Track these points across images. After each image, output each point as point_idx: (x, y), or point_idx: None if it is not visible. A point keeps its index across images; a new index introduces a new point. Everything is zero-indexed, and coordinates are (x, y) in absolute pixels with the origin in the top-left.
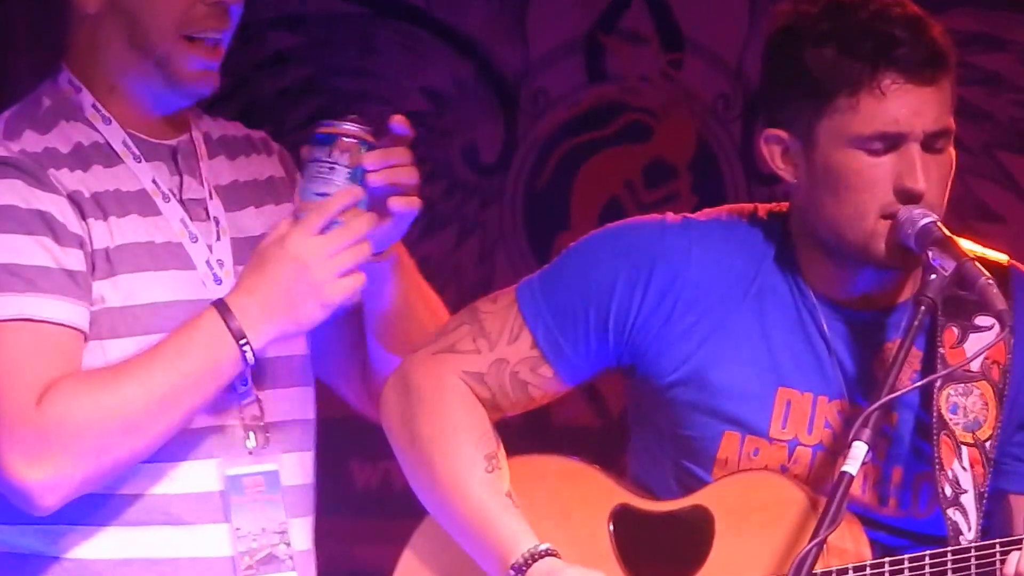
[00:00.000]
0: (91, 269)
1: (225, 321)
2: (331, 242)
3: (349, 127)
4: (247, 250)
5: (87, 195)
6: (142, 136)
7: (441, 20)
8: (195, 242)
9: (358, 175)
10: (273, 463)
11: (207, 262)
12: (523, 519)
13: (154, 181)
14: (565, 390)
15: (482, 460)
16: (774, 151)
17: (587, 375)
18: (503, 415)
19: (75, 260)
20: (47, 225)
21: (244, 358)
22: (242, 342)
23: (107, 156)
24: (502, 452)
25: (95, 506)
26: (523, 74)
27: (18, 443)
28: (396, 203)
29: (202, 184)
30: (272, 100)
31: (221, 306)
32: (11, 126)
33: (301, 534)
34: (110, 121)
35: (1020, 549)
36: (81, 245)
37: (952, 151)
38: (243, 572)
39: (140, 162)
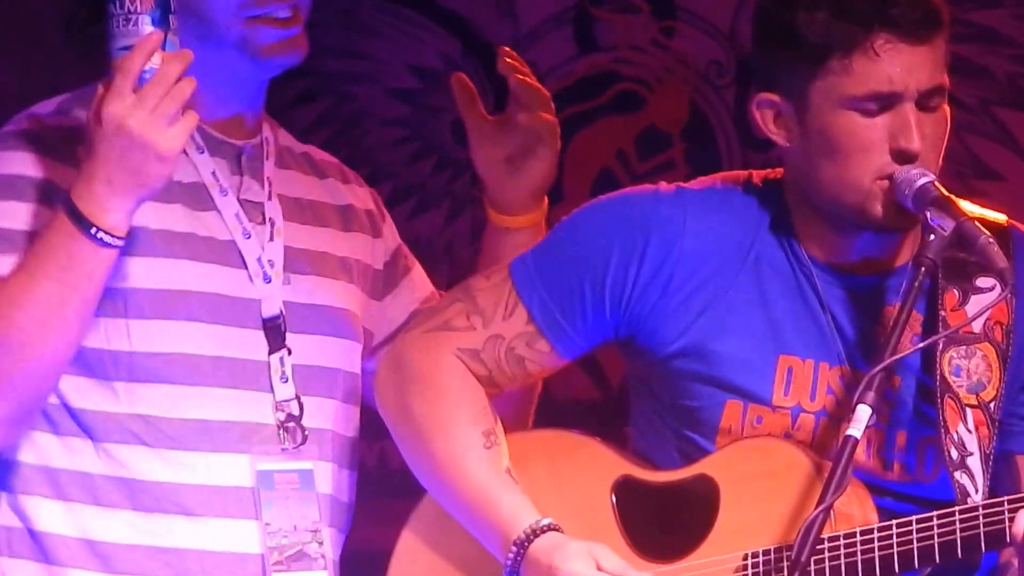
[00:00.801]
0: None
1: (69, 215)
2: (146, 96)
3: None
4: (297, 260)
5: None
6: (210, 131)
7: None
8: (248, 238)
9: (158, 17)
10: (308, 462)
11: (258, 260)
12: (523, 494)
13: (214, 174)
14: (562, 364)
15: (480, 437)
16: (766, 115)
17: (585, 349)
18: (500, 391)
19: None
20: (54, 196)
21: (100, 241)
22: (92, 230)
23: None
24: (500, 428)
25: (112, 488)
26: (512, 47)
27: None
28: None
29: (263, 187)
30: None
31: (64, 200)
32: (64, 105)
33: (329, 543)
34: None
35: None
36: None
37: (947, 109)
38: (272, 567)
39: (203, 153)
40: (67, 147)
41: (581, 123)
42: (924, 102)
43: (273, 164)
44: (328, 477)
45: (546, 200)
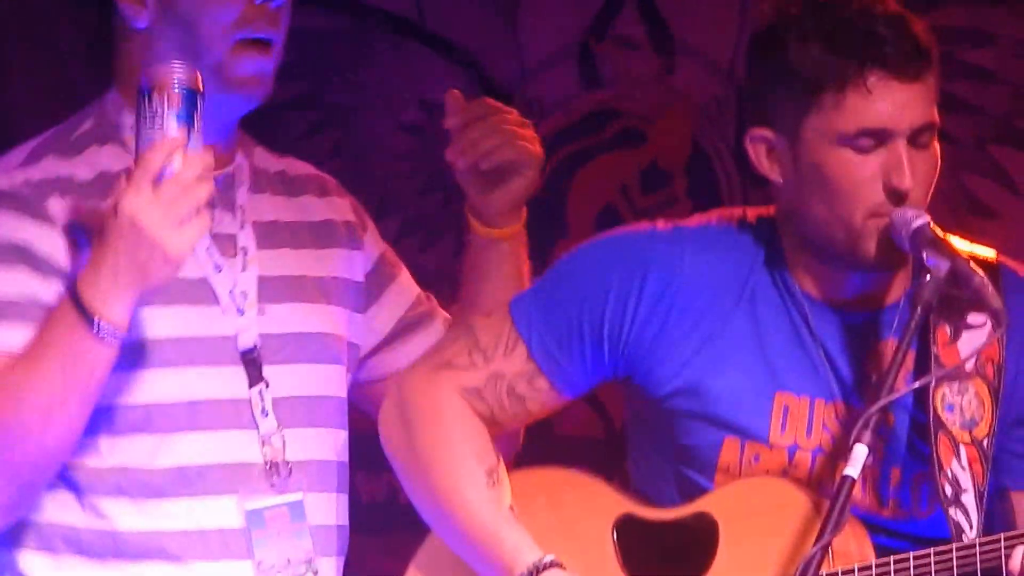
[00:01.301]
0: None
1: (74, 304)
2: (161, 194)
3: (166, 70)
4: (272, 288)
5: (93, 225)
6: None
7: (434, 31)
8: (219, 272)
9: (184, 114)
10: (294, 494)
11: (231, 293)
12: (526, 532)
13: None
14: (563, 403)
15: (483, 475)
16: (759, 150)
17: (584, 387)
18: (502, 430)
19: (56, 293)
20: (25, 257)
21: (101, 334)
22: (95, 318)
23: None
24: (502, 467)
25: (97, 540)
26: (517, 82)
27: None
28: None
29: (235, 216)
30: (269, 114)
31: (71, 289)
32: (37, 151)
33: (326, 572)
34: None
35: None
36: (64, 277)
37: (937, 146)
38: None
39: None
40: (36, 204)
41: (585, 159)
42: (915, 139)
43: (247, 190)
44: (317, 507)
45: (525, 210)
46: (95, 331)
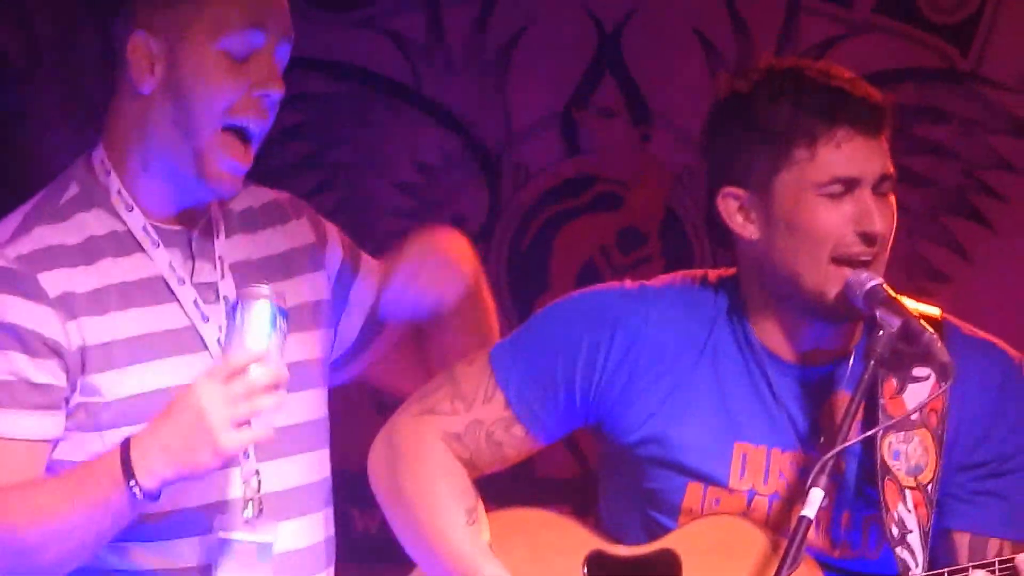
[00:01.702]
0: (80, 367)
1: (121, 459)
2: (231, 391)
3: (255, 292)
4: None
5: (83, 292)
6: (162, 226)
7: (429, 97)
8: (206, 322)
9: (267, 333)
10: (269, 535)
11: (218, 340)
12: (502, 566)
13: (170, 265)
14: (537, 448)
15: (463, 514)
16: (731, 207)
17: (557, 435)
18: (480, 473)
19: (46, 370)
20: (16, 337)
21: (133, 497)
22: (131, 483)
23: (123, 245)
24: (481, 507)
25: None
26: (505, 147)
27: None
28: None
29: (215, 267)
30: (277, 173)
31: (125, 444)
32: (26, 222)
33: None
34: (132, 208)
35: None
36: (56, 352)
37: (893, 196)
38: None
39: (158, 247)
40: (27, 281)
41: (566, 219)
42: (878, 187)
43: (223, 239)
44: (301, 531)
45: (469, 266)
46: (130, 491)
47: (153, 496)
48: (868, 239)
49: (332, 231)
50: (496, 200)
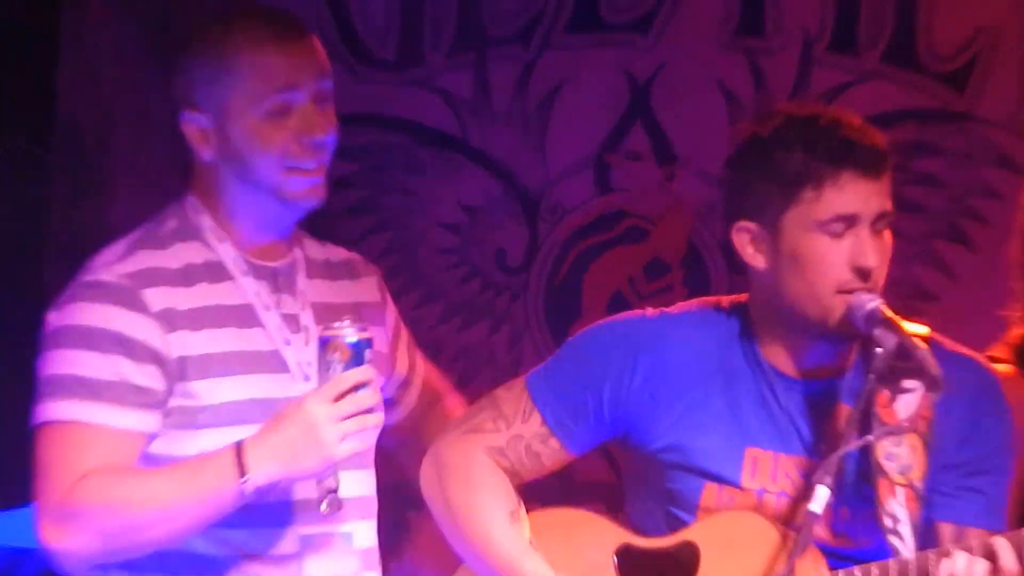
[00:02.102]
0: (180, 374)
1: (236, 457)
2: (339, 409)
3: (335, 328)
4: None
5: (183, 310)
6: (251, 259)
7: (474, 145)
8: (288, 346)
9: (354, 365)
10: (347, 525)
11: (298, 363)
12: (543, 560)
13: (257, 294)
14: (571, 459)
15: (507, 516)
16: (744, 240)
17: (589, 446)
18: (522, 481)
19: (146, 375)
20: (122, 344)
21: (243, 491)
22: (243, 478)
23: (216, 272)
24: (523, 509)
25: (190, 563)
26: (543, 189)
27: (50, 516)
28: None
29: (296, 300)
30: (334, 216)
31: (239, 445)
32: (132, 247)
33: None
34: (224, 241)
35: (950, 557)
36: (158, 359)
37: (889, 232)
38: None
39: (248, 276)
40: (133, 295)
41: (598, 253)
42: (875, 224)
43: (304, 277)
44: (363, 535)
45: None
46: (240, 483)
47: (257, 492)
48: (863, 274)
49: (390, 298)
50: (534, 236)
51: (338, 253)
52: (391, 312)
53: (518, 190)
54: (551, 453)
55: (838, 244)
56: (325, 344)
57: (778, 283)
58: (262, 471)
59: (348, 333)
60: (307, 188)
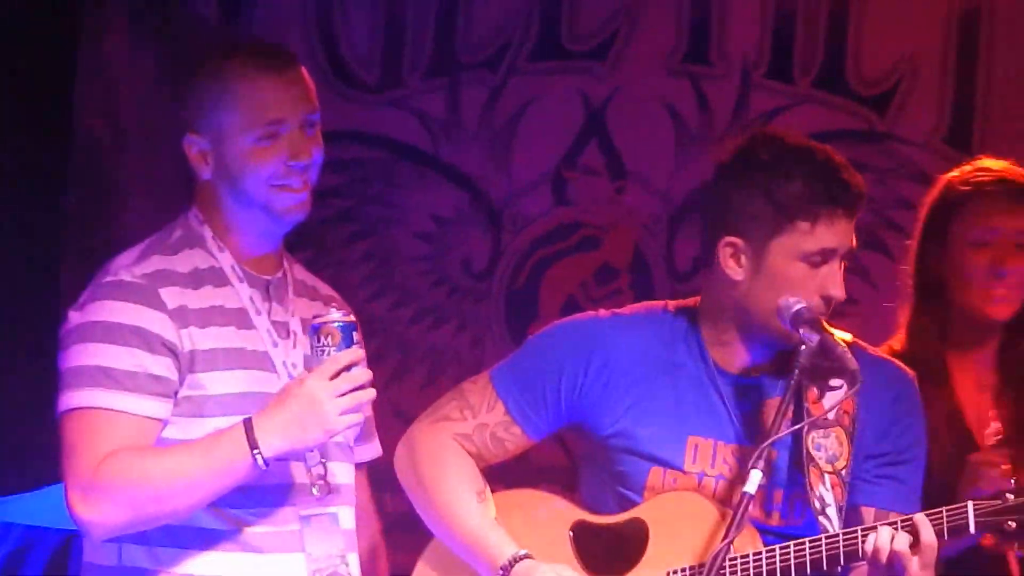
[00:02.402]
0: (190, 366)
1: (247, 433)
2: (336, 386)
3: (324, 317)
4: (309, 363)
5: (193, 308)
6: (246, 268)
7: (445, 161)
8: (276, 347)
9: (344, 347)
10: (335, 507)
11: (284, 363)
12: (506, 534)
13: (251, 299)
14: (531, 444)
15: (473, 495)
16: (727, 253)
17: (547, 432)
18: (487, 464)
19: (161, 365)
20: (142, 338)
21: (255, 462)
22: (255, 451)
23: (219, 278)
24: (488, 490)
25: (199, 536)
26: (506, 201)
27: (78, 489)
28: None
29: (286, 310)
30: (318, 225)
31: (248, 422)
32: (145, 252)
33: (352, 565)
34: (223, 250)
35: (875, 532)
36: (172, 351)
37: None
38: None
39: (243, 283)
40: (151, 293)
41: (554, 260)
42: (844, 258)
43: (292, 293)
44: (346, 517)
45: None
46: (252, 457)
47: (268, 464)
48: (828, 302)
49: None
50: (497, 245)
51: (325, 287)
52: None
53: (484, 202)
54: (513, 439)
55: (814, 273)
56: (317, 331)
57: (749, 295)
58: (270, 444)
59: (337, 318)
60: (293, 204)
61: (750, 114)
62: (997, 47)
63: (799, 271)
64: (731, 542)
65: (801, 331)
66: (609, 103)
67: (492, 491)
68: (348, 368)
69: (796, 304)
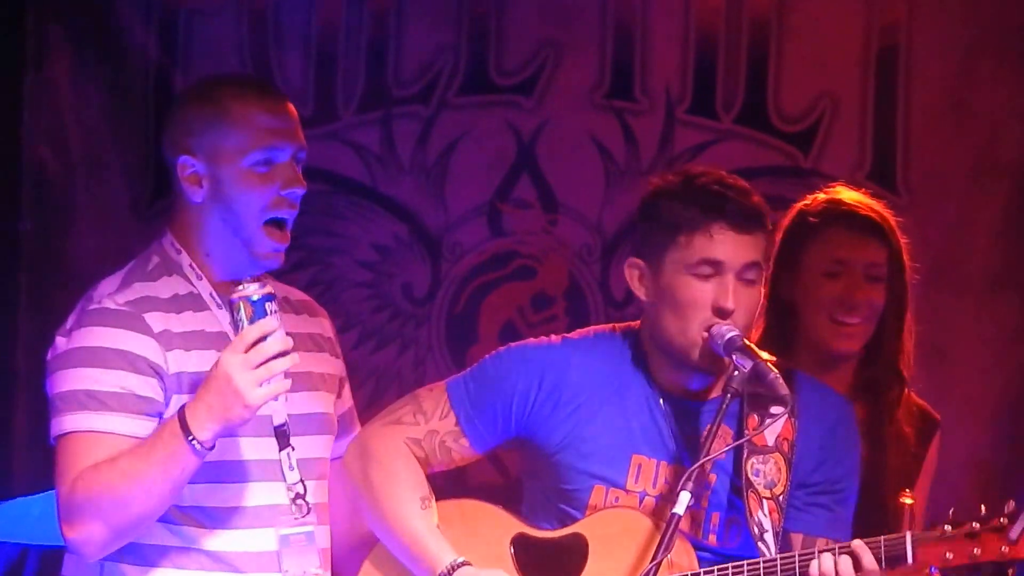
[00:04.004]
0: (176, 387)
1: (180, 423)
2: (248, 359)
3: (238, 291)
4: (293, 381)
5: (176, 332)
6: (222, 293)
7: (383, 193)
8: None
9: (258, 318)
10: (311, 526)
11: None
12: (446, 541)
13: (229, 323)
14: (477, 456)
15: (418, 501)
16: (633, 274)
17: (493, 445)
18: (433, 470)
19: (147, 386)
20: (127, 360)
21: (194, 449)
22: (190, 438)
23: (197, 303)
24: (432, 497)
25: (182, 555)
26: (444, 231)
27: (62, 511)
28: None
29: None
30: None
31: (181, 411)
32: (127, 279)
33: None
34: (201, 278)
35: (816, 559)
36: (157, 373)
37: (761, 288)
38: None
39: (221, 309)
40: (137, 319)
41: (491, 288)
42: (742, 275)
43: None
44: (322, 535)
45: None
46: (189, 445)
47: (208, 447)
48: (721, 313)
49: (337, 339)
50: (437, 273)
51: (296, 293)
52: (340, 348)
53: (422, 232)
54: (460, 450)
55: (703, 286)
56: (232, 306)
57: (656, 315)
58: (202, 427)
59: (250, 291)
60: (272, 252)
61: (675, 149)
62: (914, 83)
63: (690, 285)
64: (659, 563)
65: (734, 357)
66: (538, 137)
67: (436, 500)
68: (263, 339)
69: (729, 332)
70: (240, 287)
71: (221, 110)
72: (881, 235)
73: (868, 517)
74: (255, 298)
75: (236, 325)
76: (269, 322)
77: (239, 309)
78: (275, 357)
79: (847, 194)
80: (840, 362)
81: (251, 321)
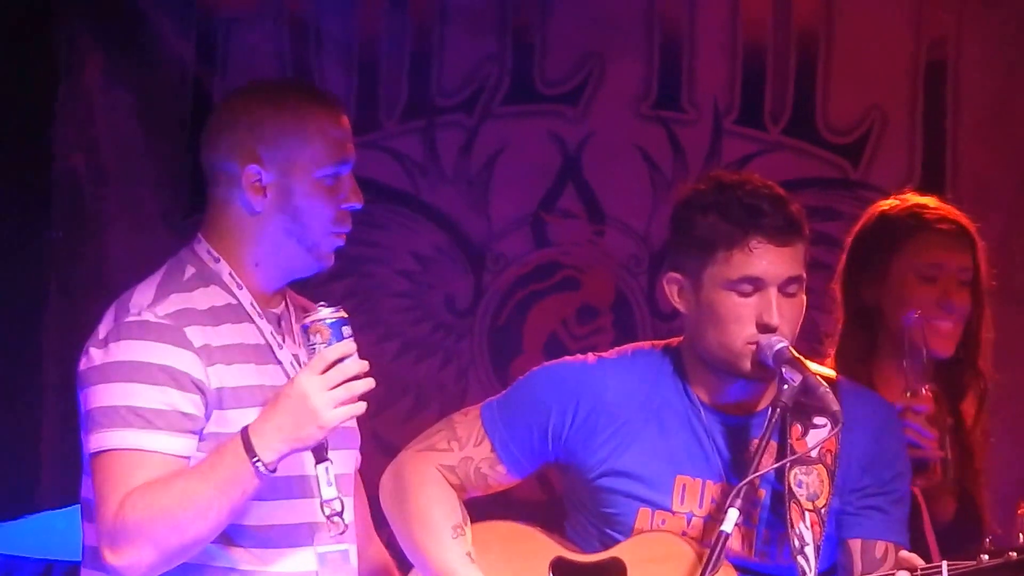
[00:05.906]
0: (218, 403)
1: (244, 443)
2: (327, 380)
3: (313, 316)
4: None
5: (216, 346)
6: (259, 305)
7: (425, 201)
8: None
9: (334, 342)
10: (346, 544)
11: None
12: (477, 571)
13: (271, 334)
14: (514, 483)
15: (449, 530)
16: (672, 289)
17: (530, 471)
18: (468, 496)
19: (191, 403)
20: (170, 376)
21: (257, 471)
22: (254, 459)
23: (236, 314)
24: (467, 524)
25: (219, 574)
26: (486, 242)
27: (106, 536)
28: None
29: (295, 341)
30: None
31: (244, 432)
32: (161, 291)
33: None
34: (242, 287)
35: None
36: (200, 389)
37: (803, 296)
38: None
39: (262, 319)
40: (178, 332)
41: (536, 299)
42: (784, 288)
43: (295, 322)
44: (354, 555)
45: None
46: (253, 466)
47: (271, 469)
48: (765, 329)
49: None
50: (479, 284)
51: (313, 307)
52: None
53: (464, 243)
54: (496, 476)
55: (746, 302)
56: (306, 330)
57: (698, 329)
58: (268, 448)
59: (325, 315)
60: (331, 251)
61: (723, 160)
62: (962, 96)
63: (731, 301)
64: None
65: (783, 370)
66: (583, 147)
67: (473, 521)
68: (340, 361)
69: (778, 344)
70: (314, 312)
71: (297, 120)
72: (969, 240)
73: (963, 526)
74: (331, 321)
75: (311, 349)
76: (348, 344)
77: (315, 333)
78: (353, 378)
79: (928, 200)
80: (928, 366)
81: (328, 344)
